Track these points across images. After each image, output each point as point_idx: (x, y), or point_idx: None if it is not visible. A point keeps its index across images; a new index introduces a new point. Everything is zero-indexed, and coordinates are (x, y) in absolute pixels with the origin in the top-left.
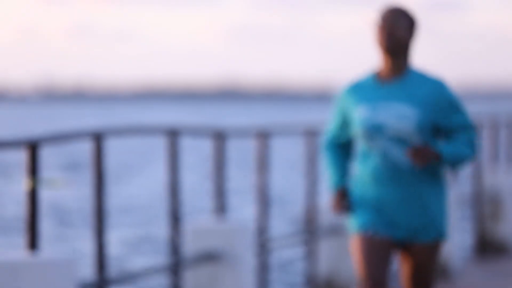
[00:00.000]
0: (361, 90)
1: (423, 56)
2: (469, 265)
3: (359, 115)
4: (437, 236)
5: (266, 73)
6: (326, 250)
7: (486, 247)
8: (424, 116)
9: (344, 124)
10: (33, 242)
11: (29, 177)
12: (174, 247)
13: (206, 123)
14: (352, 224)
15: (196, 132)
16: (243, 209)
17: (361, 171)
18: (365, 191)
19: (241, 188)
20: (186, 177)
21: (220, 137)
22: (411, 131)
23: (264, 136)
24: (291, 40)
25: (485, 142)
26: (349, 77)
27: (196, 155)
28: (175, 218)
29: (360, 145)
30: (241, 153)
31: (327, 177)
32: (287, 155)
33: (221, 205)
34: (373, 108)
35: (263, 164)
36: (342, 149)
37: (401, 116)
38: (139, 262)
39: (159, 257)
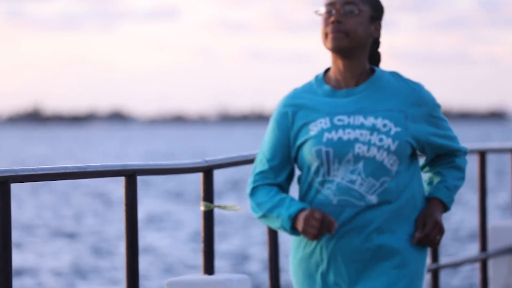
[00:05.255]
0: (311, 100)
1: None
2: None
3: (315, 133)
4: None
5: (437, 95)
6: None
7: None
8: (404, 132)
9: (285, 151)
10: (209, 263)
11: (204, 200)
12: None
13: None
14: None
15: None
16: None
17: None
18: (311, 249)
19: None
20: None
21: None
22: (388, 153)
23: None
24: (458, 63)
25: None
26: None
27: None
28: None
29: (306, 181)
30: None
31: (270, 222)
32: None
33: None
34: (335, 122)
35: None
36: (279, 190)
37: (378, 133)
38: None
39: None
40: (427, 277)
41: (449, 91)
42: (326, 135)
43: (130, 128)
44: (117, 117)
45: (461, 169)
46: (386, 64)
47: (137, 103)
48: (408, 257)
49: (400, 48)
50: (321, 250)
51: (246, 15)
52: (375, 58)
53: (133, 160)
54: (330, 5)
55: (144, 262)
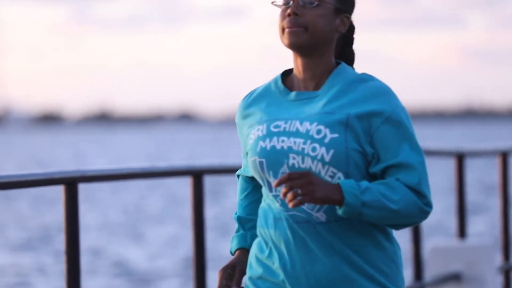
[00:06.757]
0: (261, 104)
1: None
2: None
3: (252, 141)
4: None
5: (506, 93)
6: None
7: None
8: (344, 139)
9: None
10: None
11: None
12: (417, 268)
13: (446, 144)
14: None
15: (436, 153)
16: (482, 229)
17: (262, 229)
18: (265, 261)
19: (483, 209)
20: None
21: (460, 158)
22: (323, 164)
23: (506, 156)
24: None
25: None
26: None
27: (438, 176)
28: (417, 236)
29: (264, 192)
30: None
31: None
32: None
33: (462, 225)
34: (271, 129)
35: (504, 185)
36: (255, 183)
37: (311, 141)
38: None
39: None
40: (499, 279)
41: None
42: (260, 144)
43: (199, 129)
44: (186, 118)
45: (392, 188)
46: (455, 61)
47: (205, 103)
48: (368, 274)
49: (470, 45)
50: (274, 267)
51: None
52: (348, 57)
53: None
54: None
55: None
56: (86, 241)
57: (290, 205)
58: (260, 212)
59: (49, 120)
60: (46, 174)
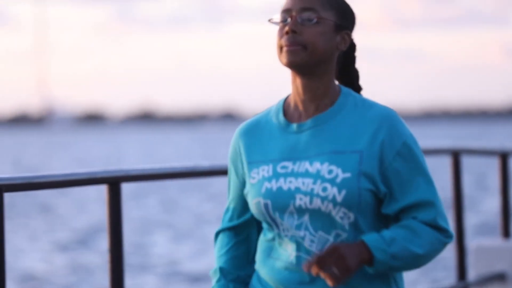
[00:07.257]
0: (262, 137)
1: None
2: None
3: (256, 181)
4: None
5: None
6: None
7: None
8: (356, 178)
9: (241, 193)
10: None
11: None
12: (461, 267)
13: (489, 143)
14: None
15: (480, 152)
16: None
17: (263, 276)
18: None
19: None
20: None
21: (504, 157)
22: (334, 205)
23: None
24: None
25: None
26: None
27: (475, 174)
28: (461, 236)
29: (263, 233)
30: None
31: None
32: None
33: (506, 225)
34: (277, 170)
35: None
36: (239, 237)
37: (321, 181)
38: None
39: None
40: None
41: None
42: (266, 185)
43: None
44: (229, 118)
45: (414, 232)
46: (499, 60)
47: (248, 102)
48: None
49: None
50: None
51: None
52: (351, 76)
53: None
54: (285, 12)
55: None
56: (130, 239)
57: (331, 286)
58: (260, 247)
59: (93, 119)
60: (89, 173)
